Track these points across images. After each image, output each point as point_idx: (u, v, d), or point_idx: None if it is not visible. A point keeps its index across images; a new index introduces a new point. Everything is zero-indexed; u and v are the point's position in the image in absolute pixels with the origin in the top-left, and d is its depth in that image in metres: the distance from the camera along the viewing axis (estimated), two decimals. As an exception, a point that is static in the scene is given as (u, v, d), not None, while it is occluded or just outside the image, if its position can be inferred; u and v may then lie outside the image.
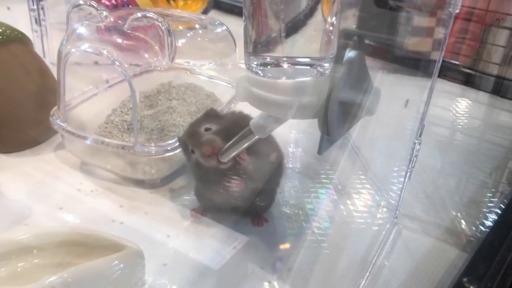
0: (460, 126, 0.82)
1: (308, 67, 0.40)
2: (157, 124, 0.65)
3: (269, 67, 0.41)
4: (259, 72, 0.41)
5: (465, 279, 0.46)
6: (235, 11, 1.19)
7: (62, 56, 0.61)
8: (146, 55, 0.61)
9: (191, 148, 0.52)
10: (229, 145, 0.47)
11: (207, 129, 0.52)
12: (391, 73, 0.74)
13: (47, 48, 0.89)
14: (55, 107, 0.65)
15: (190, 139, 0.52)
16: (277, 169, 0.57)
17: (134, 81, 0.58)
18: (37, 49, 0.84)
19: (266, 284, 0.49)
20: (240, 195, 0.53)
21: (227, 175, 0.51)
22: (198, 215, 0.58)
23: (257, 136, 0.45)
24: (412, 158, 0.54)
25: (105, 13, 0.61)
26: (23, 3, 0.87)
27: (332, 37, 0.39)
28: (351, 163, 0.70)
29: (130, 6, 0.96)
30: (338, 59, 0.40)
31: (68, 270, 0.38)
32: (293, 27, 0.39)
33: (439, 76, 0.49)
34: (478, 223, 0.59)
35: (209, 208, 0.59)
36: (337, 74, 0.40)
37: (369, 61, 0.43)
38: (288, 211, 0.59)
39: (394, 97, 0.54)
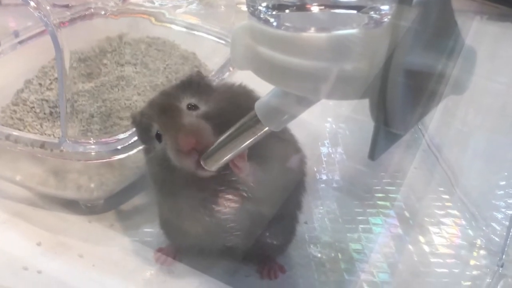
0: None
1: (354, 12, 0.40)
2: (99, 106, 0.66)
3: (287, 11, 0.41)
4: (271, 19, 0.41)
5: None
6: None
7: None
8: (82, -10, 0.62)
9: (158, 130, 0.52)
10: (221, 142, 0.47)
11: (191, 107, 0.52)
12: (495, 21, 0.73)
13: None
14: None
15: (161, 115, 0.51)
16: (299, 183, 0.57)
17: (62, 33, 0.58)
18: None
19: None
20: (238, 227, 0.53)
21: (215, 192, 0.51)
22: (167, 259, 0.58)
23: (266, 128, 0.44)
24: (531, 166, 0.55)
25: None
26: None
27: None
28: (427, 174, 0.71)
29: None
30: (404, -3, 0.40)
31: None
32: None
33: None
34: None
35: (186, 249, 0.59)
36: (402, 23, 0.39)
37: (457, 1, 0.42)
38: (319, 254, 0.60)
39: (501, 62, 0.54)
